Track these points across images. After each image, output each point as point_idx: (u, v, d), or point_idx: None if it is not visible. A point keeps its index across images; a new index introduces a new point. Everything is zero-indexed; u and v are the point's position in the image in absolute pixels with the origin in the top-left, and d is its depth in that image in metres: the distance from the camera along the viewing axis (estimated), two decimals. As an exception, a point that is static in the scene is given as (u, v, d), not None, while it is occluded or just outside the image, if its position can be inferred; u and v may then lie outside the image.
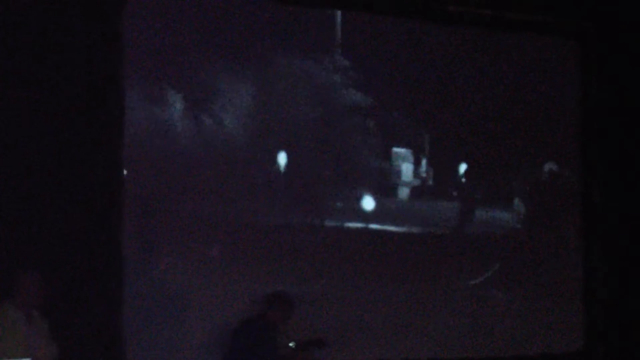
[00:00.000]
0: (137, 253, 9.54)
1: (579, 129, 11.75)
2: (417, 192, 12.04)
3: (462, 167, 12.13)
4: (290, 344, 8.59)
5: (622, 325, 10.93)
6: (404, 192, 11.87)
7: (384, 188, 11.87)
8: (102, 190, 8.82)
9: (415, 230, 12.01)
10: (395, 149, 11.78)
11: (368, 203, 11.48)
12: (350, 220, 11.40)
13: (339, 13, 11.24)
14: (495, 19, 10.84)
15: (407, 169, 11.84)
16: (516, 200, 12.47)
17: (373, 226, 11.41)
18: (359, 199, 11.47)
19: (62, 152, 8.57)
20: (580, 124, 11.63)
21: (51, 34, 8.43)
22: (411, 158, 11.89)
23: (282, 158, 11.06)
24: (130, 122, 9.65)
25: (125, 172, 9.36)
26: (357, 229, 11.32)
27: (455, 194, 12.38)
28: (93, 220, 8.64)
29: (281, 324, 8.34)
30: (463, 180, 12.34)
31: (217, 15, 10.63)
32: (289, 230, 10.98)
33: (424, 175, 12.05)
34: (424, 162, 11.94)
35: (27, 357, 6.45)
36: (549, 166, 12.38)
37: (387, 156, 11.83)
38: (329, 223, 11.15)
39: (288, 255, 10.78)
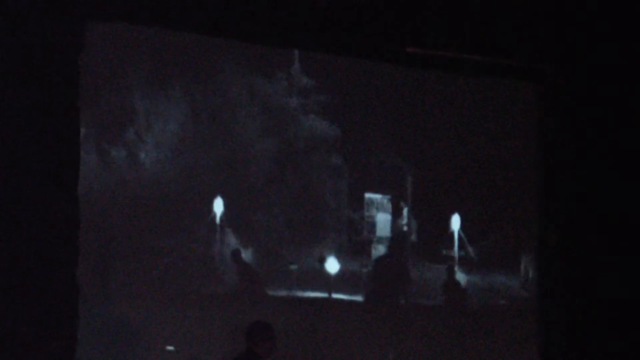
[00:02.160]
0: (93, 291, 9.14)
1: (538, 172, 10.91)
2: (396, 250, 10.75)
3: (455, 220, 10.94)
4: None
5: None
6: (379, 251, 10.70)
7: (354, 245, 10.67)
8: (57, 227, 7.91)
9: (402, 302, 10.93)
10: (369, 195, 10.58)
11: (332, 265, 9.99)
12: (308, 288, 10.05)
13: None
14: (455, 61, 10.44)
15: (383, 220, 10.73)
16: (523, 262, 11.31)
17: (337, 296, 10.04)
18: (321, 260, 10.00)
19: (18, 186, 7.65)
20: (539, 166, 10.80)
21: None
22: (389, 206, 10.71)
23: (218, 205, 9.99)
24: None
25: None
26: (318, 300, 9.94)
27: (445, 252, 11.09)
28: (47, 256, 7.68)
29: (267, 357, 7.14)
30: (456, 235, 11.06)
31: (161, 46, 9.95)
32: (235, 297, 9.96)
33: (405, 228, 10.86)
34: (405, 211, 10.76)
35: None
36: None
37: (359, 204, 10.58)
38: (279, 293, 9.99)
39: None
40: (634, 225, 9.73)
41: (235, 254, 10.09)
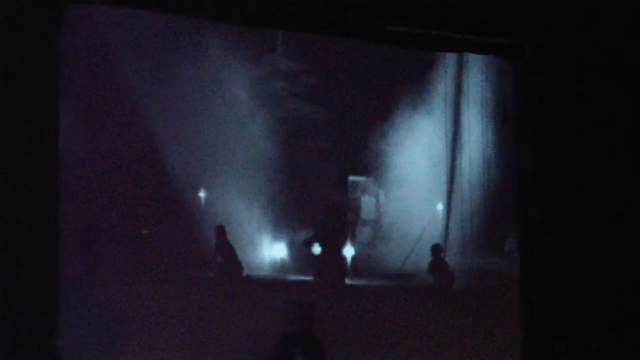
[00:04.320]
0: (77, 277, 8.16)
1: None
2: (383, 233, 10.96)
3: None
4: None
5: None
6: (363, 234, 10.93)
7: (339, 227, 10.34)
8: (36, 213, 8.16)
9: (380, 283, 10.97)
10: (352, 178, 10.73)
11: (318, 249, 9.98)
12: (290, 272, 10.23)
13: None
14: (433, 38, 10.59)
15: (366, 202, 10.82)
16: (508, 243, 11.28)
17: (326, 278, 10.19)
18: (308, 243, 9.91)
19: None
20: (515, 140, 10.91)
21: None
22: (374, 189, 10.74)
23: (202, 196, 10.40)
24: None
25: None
26: (302, 282, 10.15)
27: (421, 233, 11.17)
28: (27, 244, 7.88)
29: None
30: (440, 217, 11.34)
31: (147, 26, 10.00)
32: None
33: (383, 210, 11.04)
34: (382, 193, 11.03)
35: None
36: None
37: (344, 186, 10.67)
38: (261, 275, 10.15)
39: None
40: (612, 199, 10.14)
41: (219, 230, 9.89)
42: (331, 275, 10.39)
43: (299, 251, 10.21)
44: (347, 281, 10.91)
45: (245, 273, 10.52)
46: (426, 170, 11.13)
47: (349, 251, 10.83)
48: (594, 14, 9.87)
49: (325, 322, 9.02)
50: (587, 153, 10.39)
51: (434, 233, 11.59)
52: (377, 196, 10.94)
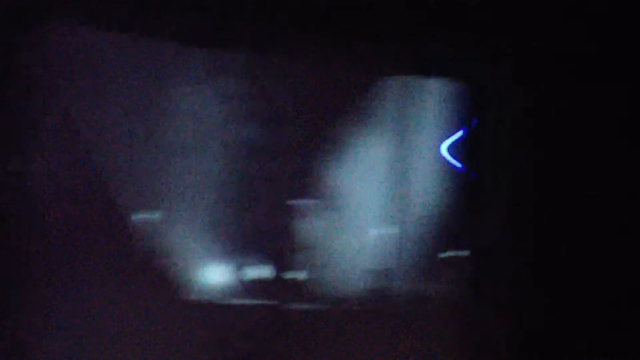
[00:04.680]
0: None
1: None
2: None
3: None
4: None
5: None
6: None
7: (282, 251, 10.66)
8: None
9: (323, 307, 10.85)
10: (296, 201, 10.73)
11: (259, 272, 10.29)
12: (236, 295, 10.23)
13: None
14: (396, 61, 10.79)
15: (311, 226, 10.81)
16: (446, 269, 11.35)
17: (272, 302, 10.32)
18: (240, 266, 10.26)
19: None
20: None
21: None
22: (316, 212, 10.73)
23: (149, 218, 10.13)
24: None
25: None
26: (251, 307, 10.22)
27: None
28: None
29: None
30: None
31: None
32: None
33: (332, 234, 10.91)
34: (332, 218, 10.91)
35: None
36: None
37: (286, 209, 10.67)
38: (206, 297, 10.18)
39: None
40: (553, 231, 9.96)
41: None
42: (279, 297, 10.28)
43: (243, 274, 10.23)
44: (291, 306, 10.73)
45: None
46: (370, 195, 11.09)
47: (296, 274, 10.65)
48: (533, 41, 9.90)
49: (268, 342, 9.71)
50: (531, 188, 10.41)
51: (377, 256, 11.67)
52: (321, 220, 10.91)
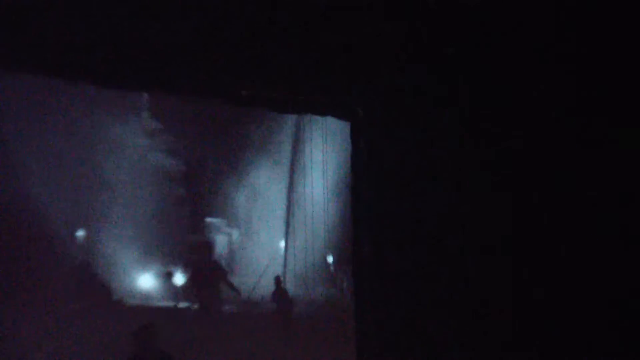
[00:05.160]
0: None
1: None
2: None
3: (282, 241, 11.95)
4: None
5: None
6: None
7: (203, 261, 11.27)
8: None
9: (230, 309, 11.79)
10: (208, 219, 11.51)
11: (178, 279, 10.82)
12: (157, 299, 10.91)
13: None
14: (284, 101, 11.23)
15: (220, 240, 11.57)
16: (338, 275, 12.38)
17: (183, 304, 10.93)
18: (169, 275, 10.82)
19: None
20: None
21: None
22: (227, 229, 11.66)
23: (81, 235, 10.74)
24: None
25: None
26: (165, 309, 10.71)
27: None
28: None
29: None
30: (282, 252, 12.16)
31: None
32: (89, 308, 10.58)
33: (238, 248, 11.97)
34: (235, 233, 11.86)
35: None
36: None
37: (200, 227, 11.42)
38: (131, 302, 10.66)
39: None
40: (432, 245, 10.47)
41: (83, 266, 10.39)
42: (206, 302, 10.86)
43: (164, 281, 10.82)
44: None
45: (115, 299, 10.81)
46: (271, 212, 11.96)
47: (210, 280, 11.09)
48: (412, 83, 10.16)
49: (183, 339, 9.65)
50: (403, 206, 10.63)
51: (277, 267, 12.27)
52: (229, 235, 11.61)
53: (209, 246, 11.26)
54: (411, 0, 9.77)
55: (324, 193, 11.84)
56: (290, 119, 12.14)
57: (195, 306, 11.38)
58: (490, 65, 10.48)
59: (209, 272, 11.08)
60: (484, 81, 10.37)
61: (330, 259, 12.37)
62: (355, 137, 11.03)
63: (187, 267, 10.94)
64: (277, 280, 12.07)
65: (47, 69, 8.72)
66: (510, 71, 10.68)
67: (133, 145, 11.02)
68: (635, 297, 8.15)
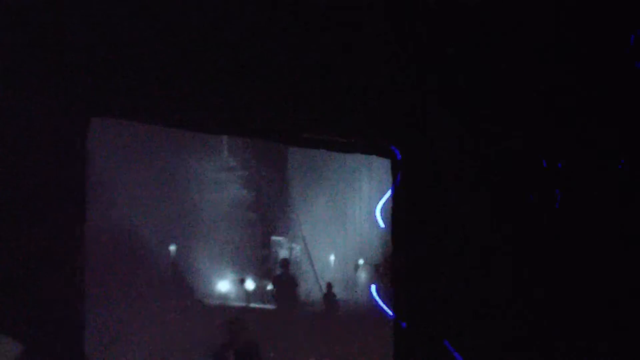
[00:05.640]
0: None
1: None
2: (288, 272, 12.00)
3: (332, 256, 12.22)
4: None
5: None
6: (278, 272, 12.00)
7: (264, 271, 11.87)
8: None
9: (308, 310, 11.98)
10: (274, 238, 11.86)
11: (250, 284, 11.34)
12: (232, 300, 11.28)
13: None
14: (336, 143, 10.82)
15: (283, 255, 11.91)
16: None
17: (253, 305, 11.27)
18: (242, 281, 11.34)
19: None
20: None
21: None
22: (287, 245, 11.98)
23: (172, 250, 11.01)
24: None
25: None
26: (239, 308, 11.11)
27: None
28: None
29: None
30: (332, 264, 12.39)
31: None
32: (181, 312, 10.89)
33: (298, 260, 12.06)
34: (297, 248, 12.01)
35: None
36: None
37: (267, 244, 11.89)
38: (211, 302, 10.99)
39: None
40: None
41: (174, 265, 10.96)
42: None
43: (238, 286, 11.31)
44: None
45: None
46: (324, 231, 12.40)
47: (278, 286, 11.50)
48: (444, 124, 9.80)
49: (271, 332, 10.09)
50: (436, 234, 9.92)
51: (329, 274, 12.56)
52: (290, 249, 12.05)
53: (287, 262, 11.59)
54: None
55: (367, 214, 12.11)
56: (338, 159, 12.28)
57: (271, 306, 11.67)
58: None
59: (286, 281, 11.46)
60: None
61: (361, 262, 12.56)
62: (394, 170, 10.86)
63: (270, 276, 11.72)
64: (328, 285, 12.23)
65: (144, 116, 8.89)
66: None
67: (214, 179, 11.45)
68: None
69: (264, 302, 11.40)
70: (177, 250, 11.05)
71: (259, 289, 11.44)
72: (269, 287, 11.46)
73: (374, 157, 10.38)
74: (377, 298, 11.81)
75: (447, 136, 9.73)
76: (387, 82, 9.00)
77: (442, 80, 8.90)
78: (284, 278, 11.33)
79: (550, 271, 9.00)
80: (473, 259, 8.92)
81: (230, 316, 8.70)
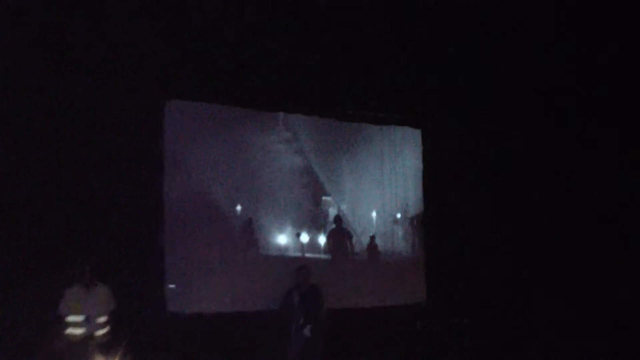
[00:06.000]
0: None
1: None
2: (343, 229, 11.98)
3: (373, 213, 12.07)
4: None
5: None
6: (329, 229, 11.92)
7: (316, 226, 11.96)
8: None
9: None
10: (324, 198, 11.87)
11: (304, 237, 11.42)
12: (290, 251, 11.43)
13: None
14: (376, 117, 11.01)
15: (332, 212, 11.97)
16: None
17: (307, 255, 11.36)
18: (298, 235, 11.39)
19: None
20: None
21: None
22: (335, 204, 11.96)
23: (239, 209, 11.14)
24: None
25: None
26: (296, 257, 11.25)
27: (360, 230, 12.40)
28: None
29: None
30: (374, 221, 12.29)
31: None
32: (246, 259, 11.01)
33: (344, 216, 11.98)
34: (344, 207, 11.94)
35: (84, 314, 7.26)
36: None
37: (318, 203, 11.90)
38: (269, 252, 11.19)
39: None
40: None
41: (248, 222, 11.00)
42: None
43: (295, 239, 11.43)
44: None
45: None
46: (367, 191, 12.40)
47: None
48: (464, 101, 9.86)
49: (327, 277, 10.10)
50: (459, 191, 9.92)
51: (371, 229, 12.52)
52: (338, 208, 12.11)
53: (340, 218, 11.65)
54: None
55: (403, 175, 12.21)
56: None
57: (324, 256, 11.85)
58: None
59: (339, 235, 11.60)
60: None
61: (398, 216, 12.38)
62: (425, 139, 11.00)
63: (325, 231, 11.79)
64: (371, 238, 12.30)
65: (214, 98, 9.54)
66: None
67: (273, 150, 11.64)
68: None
69: (316, 253, 11.52)
70: (243, 209, 11.24)
71: (312, 241, 11.50)
72: (321, 239, 11.54)
73: (407, 128, 11.59)
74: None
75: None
76: (396, 80, 9.68)
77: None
78: (337, 232, 11.40)
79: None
80: (493, 208, 10.05)
81: (299, 264, 8.89)
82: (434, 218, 10.90)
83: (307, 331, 8.23)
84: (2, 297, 7.63)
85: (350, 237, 11.60)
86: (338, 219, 11.48)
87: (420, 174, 11.03)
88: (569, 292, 9.52)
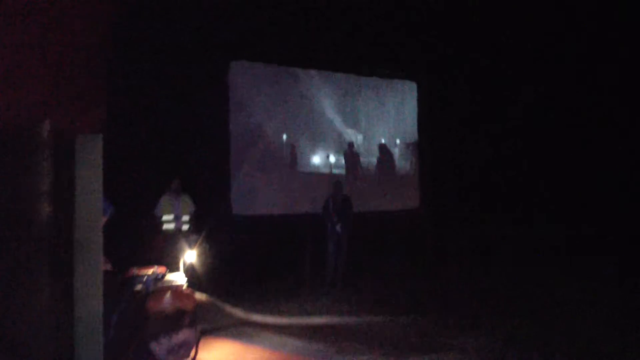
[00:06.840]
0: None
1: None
2: (358, 152, 11.70)
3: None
4: None
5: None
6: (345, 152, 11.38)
7: (341, 150, 11.45)
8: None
9: (358, 174, 11.57)
10: (347, 129, 11.34)
11: (332, 158, 11.11)
12: (322, 169, 11.05)
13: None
14: (383, 72, 10.98)
15: (353, 139, 11.43)
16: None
17: (335, 171, 11.07)
18: (327, 156, 11.01)
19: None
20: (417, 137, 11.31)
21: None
22: (353, 134, 11.49)
23: (285, 138, 10.66)
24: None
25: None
26: (326, 173, 10.99)
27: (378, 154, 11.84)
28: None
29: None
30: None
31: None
32: (290, 172, 10.74)
33: (360, 143, 11.63)
34: (360, 137, 11.49)
35: (173, 214, 7.56)
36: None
37: (341, 133, 11.36)
38: (306, 170, 10.80)
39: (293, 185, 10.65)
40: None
41: (291, 147, 10.69)
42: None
43: (325, 159, 11.04)
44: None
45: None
46: (376, 124, 11.77)
47: None
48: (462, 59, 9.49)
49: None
50: (451, 147, 9.75)
51: None
52: (356, 136, 11.76)
53: (352, 144, 11.45)
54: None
55: (404, 112, 11.85)
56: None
57: (343, 172, 11.42)
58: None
59: (351, 156, 11.42)
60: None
61: (397, 142, 11.87)
62: (420, 92, 11.01)
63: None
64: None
65: (270, 59, 10.25)
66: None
67: (309, 95, 11.18)
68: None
69: (341, 170, 11.34)
70: (288, 139, 10.81)
71: (338, 161, 11.21)
72: (343, 160, 11.33)
73: (407, 81, 11.67)
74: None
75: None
76: (400, 45, 9.59)
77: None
78: (350, 153, 11.47)
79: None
80: (472, 136, 9.97)
81: (336, 179, 9.18)
82: (426, 144, 11.42)
83: (338, 228, 8.44)
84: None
85: (358, 157, 11.53)
86: (351, 144, 11.37)
87: (415, 113, 11.35)
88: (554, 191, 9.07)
